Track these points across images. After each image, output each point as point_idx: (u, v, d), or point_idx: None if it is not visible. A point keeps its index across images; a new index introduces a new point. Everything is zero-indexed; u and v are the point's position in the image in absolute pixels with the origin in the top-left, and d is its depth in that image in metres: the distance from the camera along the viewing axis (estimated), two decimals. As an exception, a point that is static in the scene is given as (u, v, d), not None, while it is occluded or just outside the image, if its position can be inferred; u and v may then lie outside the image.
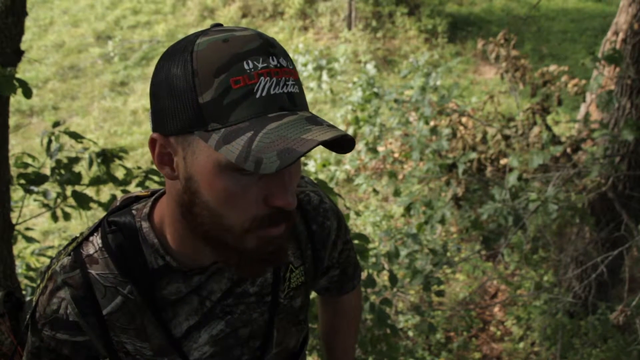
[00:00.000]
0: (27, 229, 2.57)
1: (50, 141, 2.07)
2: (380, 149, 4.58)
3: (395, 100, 4.00)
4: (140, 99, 6.64)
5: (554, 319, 3.24)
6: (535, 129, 3.04)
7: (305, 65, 6.68)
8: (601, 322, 3.14)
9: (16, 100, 6.03)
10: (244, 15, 8.26)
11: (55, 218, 2.24)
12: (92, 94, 6.81)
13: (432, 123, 3.59)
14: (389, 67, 7.08)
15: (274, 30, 7.87)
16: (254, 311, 0.89)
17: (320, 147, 4.98)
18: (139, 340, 0.84)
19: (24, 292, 1.96)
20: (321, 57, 6.89)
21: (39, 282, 0.87)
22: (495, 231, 3.12)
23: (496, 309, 3.77)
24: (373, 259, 2.58)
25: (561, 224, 3.35)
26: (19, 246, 3.13)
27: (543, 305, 3.40)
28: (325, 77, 6.59)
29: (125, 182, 2.19)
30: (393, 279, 2.30)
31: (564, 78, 3.15)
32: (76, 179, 2.07)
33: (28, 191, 2.04)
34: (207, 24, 8.09)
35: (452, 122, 3.45)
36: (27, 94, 1.53)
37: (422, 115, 3.61)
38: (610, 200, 2.99)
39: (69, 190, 2.10)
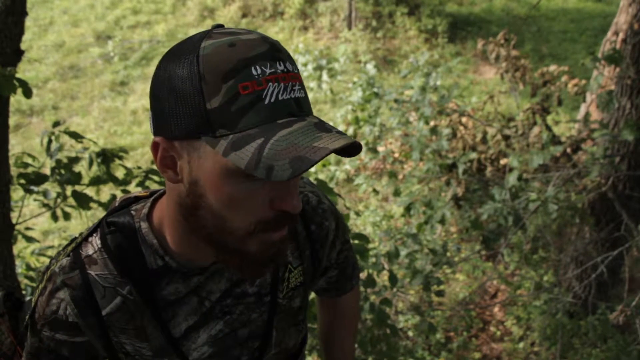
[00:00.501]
0: (27, 228, 2.57)
1: (50, 141, 2.07)
2: (380, 149, 4.58)
3: (395, 100, 4.00)
4: (140, 98, 6.64)
5: (554, 319, 3.24)
6: (535, 129, 3.04)
7: (305, 65, 6.68)
8: (601, 322, 3.14)
9: (16, 100, 6.03)
10: (244, 15, 8.26)
11: (55, 218, 2.24)
12: (92, 94, 6.81)
13: (432, 123, 3.59)
14: (389, 67, 7.08)
15: (274, 30, 7.88)
16: (253, 311, 0.89)
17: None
18: (138, 340, 0.84)
19: (24, 292, 1.96)
20: (321, 57, 6.89)
21: (38, 282, 0.86)
22: (495, 231, 3.12)
23: (496, 309, 3.77)
24: (373, 259, 2.58)
25: (561, 224, 3.35)
26: (19, 246, 3.13)
27: (543, 305, 3.40)
28: (325, 77, 6.59)
29: (125, 182, 2.19)
30: (393, 279, 2.30)
31: (564, 78, 3.15)
32: (76, 178, 2.07)
33: (28, 191, 2.04)
34: (207, 24, 8.09)
35: (452, 122, 3.45)
36: (27, 94, 1.53)
37: (422, 115, 3.61)
38: (610, 200, 2.99)
39: (69, 190, 2.10)
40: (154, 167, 2.34)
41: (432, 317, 3.51)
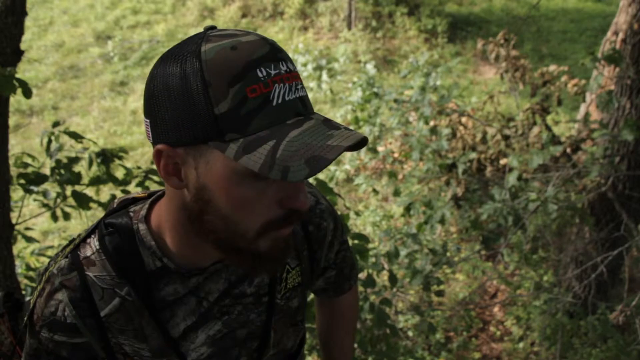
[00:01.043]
0: (27, 229, 2.57)
1: (50, 141, 2.07)
2: (380, 149, 4.58)
3: (395, 100, 4.00)
4: (140, 98, 6.64)
5: (554, 319, 3.24)
6: (535, 129, 3.04)
7: (305, 65, 6.67)
8: (601, 322, 3.14)
9: (16, 100, 6.03)
10: (244, 15, 8.25)
11: (55, 218, 2.24)
12: (92, 93, 6.81)
13: (432, 123, 3.59)
14: (389, 67, 7.08)
15: (274, 30, 7.87)
16: (251, 312, 0.90)
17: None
18: (137, 341, 0.84)
19: (23, 292, 1.96)
20: (321, 57, 6.89)
21: (36, 284, 0.86)
22: (495, 231, 3.12)
23: (496, 309, 3.77)
24: (373, 259, 2.58)
25: (561, 224, 3.35)
26: (19, 246, 3.13)
27: (543, 305, 3.40)
28: (325, 77, 6.59)
29: (125, 182, 2.19)
30: (393, 279, 2.30)
31: (563, 78, 3.15)
32: (76, 179, 2.07)
33: (28, 191, 2.04)
34: (207, 24, 8.08)
35: (452, 122, 3.45)
36: (27, 94, 1.53)
37: (422, 115, 3.61)
38: (610, 200, 2.99)
39: (68, 190, 2.10)
40: (154, 167, 2.34)
41: (432, 317, 3.51)
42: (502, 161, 3.29)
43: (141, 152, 5.73)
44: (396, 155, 4.47)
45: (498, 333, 3.58)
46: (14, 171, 1.98)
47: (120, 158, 2.20)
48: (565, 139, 3.17)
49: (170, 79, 0.67)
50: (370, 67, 5.39)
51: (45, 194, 2.19)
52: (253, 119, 0.65)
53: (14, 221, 1.77)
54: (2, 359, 1.39)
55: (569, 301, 3.20)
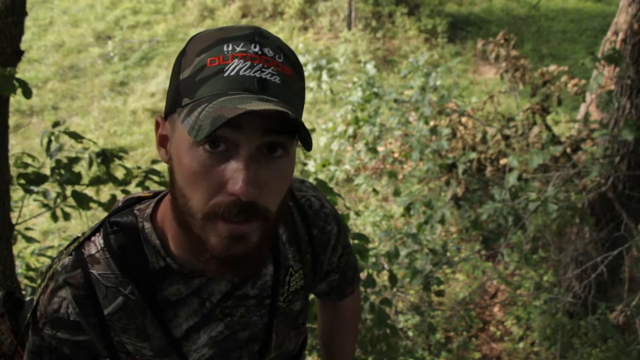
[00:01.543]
0: (27, 229, 2.57)
1: (50, 141, 2.07)
2: (380, 149, 4.58)
3: (395, 100, 4.00)
4: (140, 99, 6.64)
5: (554, 319, 3.24)
6: (535, 129, 3.04)
7: (305, 65, 6.67)
8: (601, 322, 3.13)
9: (16, 100, 6.03)
10: (244, 15, 8.26)
11: (55, 218, 2.24)
12: (92, 94, 6.81)
13: (432, 123, 3.59)
14: (389, 67, 7.08)
15: (274, 30, 7.87)
16: (254, 314, 0.89)
17: (320, 144, 4.90)
18: (139, 340, 0.83)
19: (24, 292, 1.96)
20: (321, 57, 6.89)
21: (40, 281, 0.86)
22: (495, 231, 3.12)
23: (496, 309, 3.77)
24: (373, 259, 2.58)
25: (561, 224, 3.35)
26: (19, 246, 3.13)
27: (543, 305, 3.40)
28: (325, 77, 6.59)
29: (125, 182, 2.19)
30: (393, 279, 2.30)
31: (563, 78, 3.14)
32: (76, 179, 2.07)
33: (28, 191, 2.04)
34: (207, 24, 8.08)
35: (452, 122, 3.45)
36: (27, 94, 1.53)
37: (422, 115, 3.61)
38: (610, 200, 2.99)
39: (68, 190, 2.10)
40: (154, 167, 2.34)
41: (432, 317, 3.51)
42: (502, 161, 3.28)
43: (141, 152, 5.73)
44: (396, 155, 4.47)
45: (498, 333, 3.58)
46: (14, 171, 1.98)
47: (120, 158, 2.20)
48: (565, 139, 3.17)
49: None
50: (370, 67, 5.38)
51: (45, 194, 2.19)
52: (202, 85, 0.67)
53: (14, 221, 1.77)
54: (2, 358, 1.39)
55: (569, 301, 3.20)
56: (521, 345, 3.42)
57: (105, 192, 3.88)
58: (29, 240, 2.37)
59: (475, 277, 3.92)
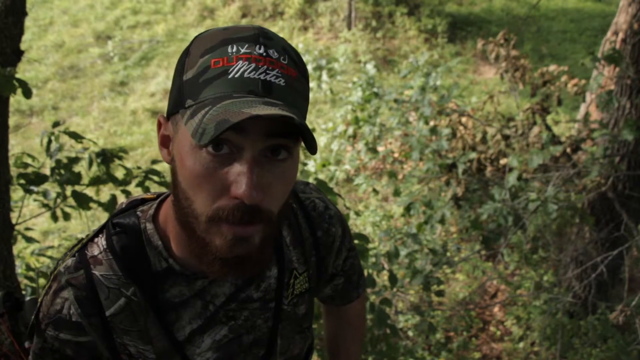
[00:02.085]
0: (27, 229, 2.57)
1: (50, 141, 2.07)
2: (380, 149, 4.58)
3: (395, 100, 4.00)
4: (140, 99, 6.64)
5: (554, 319, 3.24)
6: (535, 129, 3.04)
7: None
8: (601, 322, 3.14)
9: (16, 100, 6.03)
10: (244, 15, 8.26)
11: (55, 218, 2.24)
12: (92, 94, 6.81)
13: (432, 123, 3.59)
14: (389, 67, 7.08)
15: (274, 30, 7.85)
16: (258, 317, 0.88)
17: (320, 144, 4.89)
18: (141, 342, 0.83)
19: (23, 292, 1.96)
20: (321, 57, 6.89)
21: (45, 282, 0.86)
22: (495, 231, 3.12)
23: (496, 309, 3.77)
24: (373, 259, 2.58)
25: (561, 224, 3.35)
26: (19, 246, 3.13)
27: (543, 305, 3.40)
28: (325, 77, 6.59)
29: (125, 182, 2.19)
30: (393, 279, 2.30)
31: (563, 78, 3.14)
32: (76, 179, 2.07)
33: (28, 191, 2.04)
34: (207, 24, 8.09)
35: (452, 122, 3.45)
36: (27, 94, 1.53)
37: (422, 115, 3.61)
38: (610, 200, 2.99)
39: (68, 190, 2.10)
40: (154, 167, 2.34)
41: (432, 317, 3.51)
42: (502, 161, 3.28)
43: (141, 152, 5.73)
44: (396, 155, 4.47)
45: (498, 333, 3.58)
46: (14, 171, 1.98)
47: (120, 158, 2.20)
48: (565, 139, 3.17)
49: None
50: (370, 67, 5.39)
51: (45, 194, 2.19)
52: (206, 86, 0.66)
53: (14, 221, 1.77)
54: (2, 358, 1.39)
55: (569, 301, 3.20)
56: (521, 345, 3.42)
57: (105, 192, 3.87)
58: (29, 240, 2.36)
59: (475, 277, 3.92)
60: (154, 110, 6.38)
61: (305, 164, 4.19)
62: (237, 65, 0.66)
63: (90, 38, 7.87)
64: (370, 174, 4.85)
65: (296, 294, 0.93)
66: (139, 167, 2.26)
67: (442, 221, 3.23)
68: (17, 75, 1.49)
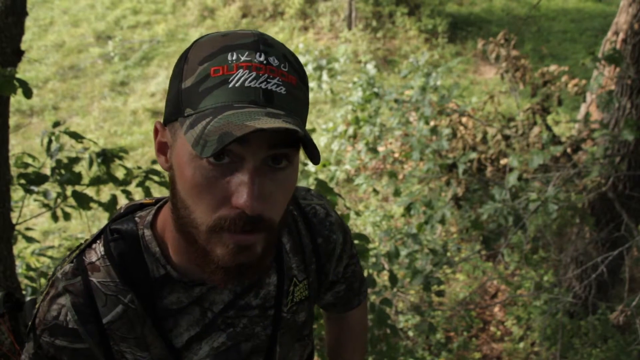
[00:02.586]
0: (27, 229, 2.57)
1: (50, 141, 2.07)
2: (380, 149, 4.57)
3: (395, 100, 4.00)
4: (140, 99, 6.64)
5: (554, 319, 3.24)
6: (535, 129, 3.04)
7: (305, 65, 6.67)
8: (601, 322, 3.14)
9: (16, 100, 6.03)
10: (244, 15, 8.25)
11: (55, 218, 2.24)
12: (92, 94, 6.81)
13: (432, 123, 3.59)
14: (389, 67, 7.08)
15: (274, 30, 7.87)
16: (257, 325, 0.88)
17: (320, 144, 4.89)
18: (138, 349, 0.82)
19: (24, 292, 1.96)
20: (321, 57, 6.88)
21: (42, 288, 0.86)
22: (495, 231, 3.12)
23: (496, 309, 3.77)
24: (373, 259, 2.58)
25: (561, 224, 3.35)
26: (19, 246, 3.13)
27: (543, 305, 3.40)
28: (325, 77, 6.58)
29: (125, 182, 2.19)
30: (393, 279, 2.30)
31: (564, 78, 3.14)
32: (76, 179, 2.07)
33: (28, 191, 2.04)
34: (207, 24, 8.09)
35: (452, 122, 3.45)
36: (27, 94, 1.53)
37: (422, 115, 3.61)
38: (610, 200, 2.99)
39: (69, 190, 2.10)
40: (154, 167, 2.34)
41: (432, 317, 3.51)
42: (503, 161, 3.28)
43: (141, 152, 5.73)
44: (396, 155, 4.47)
45: (498, 333, 3.58)
46: (14, 171, 1.98)
47: (120, 158, 2.20)
48: (565, 139, 3.17)
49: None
50: (370, 67, 5.38)
51: (45, 194, 2.19)
52: (206, 95, 0.65)
53: (14, 221, 1.77)
54: (2, 359, 1.39)
55: (569, 301, 3.20)
56: (521, 345, 3.42)
57: (106, 192, 3.87)
58: (29, 240, 2.37)
59: (476, 277, 3.92)
60: (155, 111, 6.38)
61: (305, 164, 4.19)
62: (237, 74, 0.65)
63: (90, 38, 7.88)
64: (371, 174, 4.85)
65: (296, 301, 0.92)
66: (139, 167, 2.26)
67: (442, 221, 3.23)
68: (18, 75, 1.49)
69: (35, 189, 2.07)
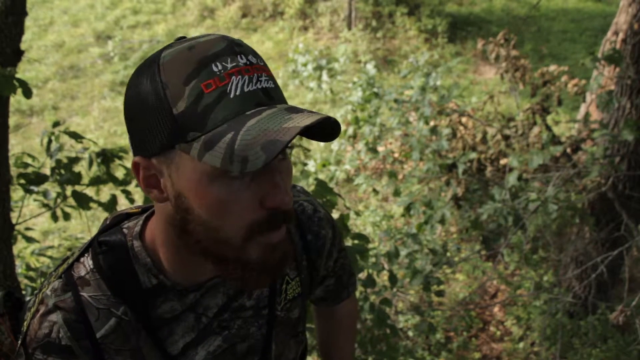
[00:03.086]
0: (27, 229, 2.57)
1: (50, 141, 2.07)
2: (380, 149, 4.58)
3: (395, 100, 4.00)
4: (140, 99, 6.64)
5: (554, 319, 3.24)
6: (535, 129, 3.04)
7: (305, 65, 6.67)
8: (601, 322, 3.14)
9: (16, 100, 6.03)
10: (244, 15, 8.25)
11: (55, 218, 2.25)
12: (92, 94, 6.81)
13: (432, 123, 3.59)
14: (389, 67, 7.08)
15: (274, 31, 7.87)
16: (252, 325, 0.88)
17: (319, 144, 4.90)
18: None
19: (24, 292, 1.96)
20: (321, 57, 6.89)
21: (30, 304, 0.83)
22: (495, 231, 3.12)
23: (496, 309, 3.77)
24: (373, 259, 2.58)
25: (561, 224, 3.35)
26: (19, 246, 3.13)
27: (543, 305, 3.40)
28: (325, 77, 6.59)
29: (125, 182, 2.19)
30: (393, 279, 2.30)
31: (564, 78, 3.15)
32: (76, 179, 2.07)
33: (28, 191, 2.04)
34: (207, 24, 8.09)
35: (452, 122, 3.45)
36: (27, 94, 1.53)
37: (422, 115, 3.61)
38: (610, 200, 2.99)
39: (69, 190, 2.10)
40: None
41: (432, 317, 3.51)
42: (502, 161, 3.29)
43: (141, 152, 5.73)
44: (396, 155, 4.47)
45: (498, 333, 3.58)
46: (14, 171, 1.98)
47: (120, 158, 2.20)
48: (565, 139, 3.17)
49: (136, 89, 0.68)
50: (370, 67, 5.38)
51: (45, 194, 2.19)
52: (210, 113, 0.63)
53: (14, 221, 1.77)
54: (2, 359, 1.39)
55: (569, 301, 3.20)
56: (521, 345, 3.42)
57: (105, 192, 3.88)
58: (29, 240, 2.37)
59: (475, 277, 3.92)
60: (154, 110, 6.38)
61: (305, 164, 4.19)
62: (231, 83, 0.64)
63: (90, 38, 7.88)
64: (370, 174, 4.85)
65: (289, 299, 0.92)
66: (139, 167, 2.25)
67: (442, 221, 3.23)
68: (17, 75, 1.49)
69: (35, 189, 2.07)
